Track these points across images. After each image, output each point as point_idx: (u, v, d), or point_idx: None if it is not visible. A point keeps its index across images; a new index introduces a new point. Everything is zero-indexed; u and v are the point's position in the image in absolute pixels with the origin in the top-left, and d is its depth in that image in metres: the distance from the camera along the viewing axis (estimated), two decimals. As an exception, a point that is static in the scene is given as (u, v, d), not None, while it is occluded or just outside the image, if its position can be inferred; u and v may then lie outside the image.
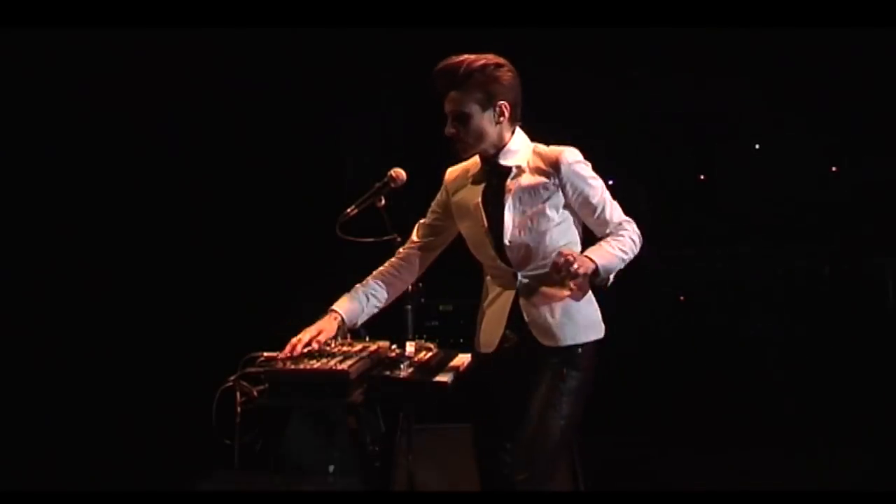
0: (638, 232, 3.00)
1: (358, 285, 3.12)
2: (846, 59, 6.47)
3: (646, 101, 6.99)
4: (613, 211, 3.00)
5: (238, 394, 2.66)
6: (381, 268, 3.16)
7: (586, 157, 2.98)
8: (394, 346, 3.01)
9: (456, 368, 3.01)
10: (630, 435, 5.71)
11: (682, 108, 7.09)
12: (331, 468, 5.29)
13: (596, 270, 2.83)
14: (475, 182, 3.05)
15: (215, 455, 2.88)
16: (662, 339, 7.30)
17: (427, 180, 3.06)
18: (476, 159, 3.06)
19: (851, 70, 6.58)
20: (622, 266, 2.93)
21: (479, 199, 3.01)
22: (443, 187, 3.17)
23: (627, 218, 3.02)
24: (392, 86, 6.39)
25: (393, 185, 3.07)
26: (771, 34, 5.95)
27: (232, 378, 2.68)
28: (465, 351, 3.16)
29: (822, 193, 7.40)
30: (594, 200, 2.96)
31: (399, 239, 3.11)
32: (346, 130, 6.45)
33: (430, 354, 3.07)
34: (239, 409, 2.65)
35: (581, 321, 2.96)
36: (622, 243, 2.94)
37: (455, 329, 4.58)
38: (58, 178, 5.80)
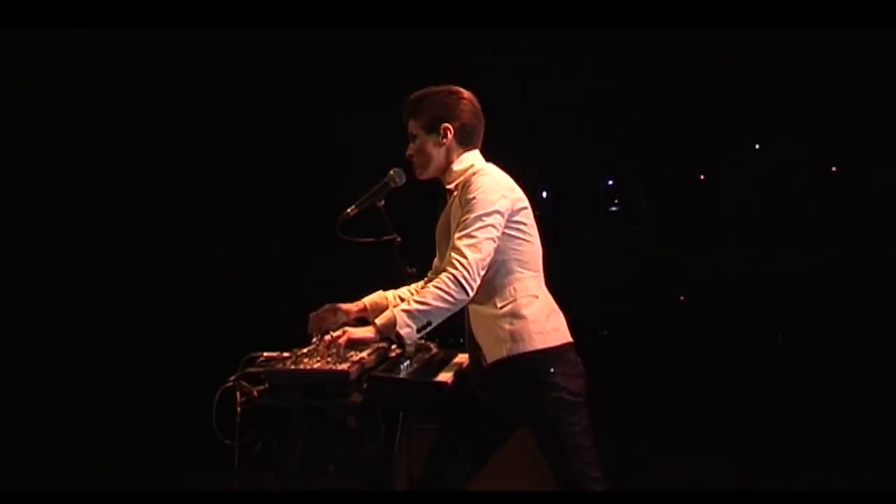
0: (457, 277, 2.75)
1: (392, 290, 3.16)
2: (846, 60, 6.47)
3: (645, 100, 6.98)
4: (465, 240, 2.78)
5: (238, 394, 2.66)
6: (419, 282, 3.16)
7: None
8: (394, 346, 3.01)
9: (456, 368, 3.01)
10: (630, 435, 5.71)
11: (683, 108, 7.09)
12: (331, 468, 5.29)
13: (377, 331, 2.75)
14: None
15: (215, 455, 2.88)
16: (662, 339, 7.31)
17: (427, 180, 3.05)
18: None
19: (851, 70, 6.58)
20: (424, 318, 2.75)
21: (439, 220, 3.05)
22: None
23: (466, 260, 2.75)
24: (392, 85, 6.39)
25: (393, 185, 3.08)
26: (771, 34, 5.95)
27: (232, 378, 2.68)
28: (464, 350, 3.15)
29: (822, 193, 7.40)
30: (463, 219, 2.81)
31: (399, 239, 3.11)
32: (346, 130, 6.46)
33: (430, 354, 3.07)
34: (239, 409, 2.65)
35: (501, 335, 2.87)
36: (423, 295, 2.78)
37: (455, 329, 4.57)
38: (58, 178, 5.81)
